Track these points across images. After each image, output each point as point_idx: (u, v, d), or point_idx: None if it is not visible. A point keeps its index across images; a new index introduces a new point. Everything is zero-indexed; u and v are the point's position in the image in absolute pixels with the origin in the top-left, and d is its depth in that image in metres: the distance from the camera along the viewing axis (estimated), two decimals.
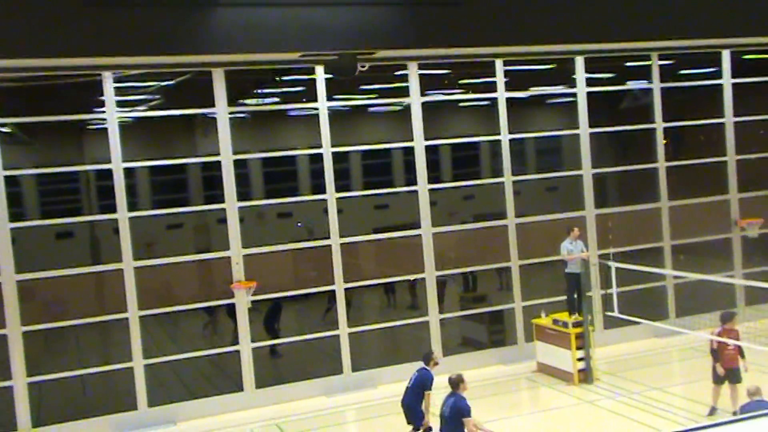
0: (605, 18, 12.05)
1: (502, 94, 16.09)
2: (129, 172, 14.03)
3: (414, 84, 15.53)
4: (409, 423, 10.92)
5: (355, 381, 15.06)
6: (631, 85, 17.88)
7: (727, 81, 17.71)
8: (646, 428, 12.09)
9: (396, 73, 15.61)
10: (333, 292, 15.09)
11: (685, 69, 18.05)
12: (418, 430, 10.83)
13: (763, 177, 18.17)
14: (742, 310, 17.42)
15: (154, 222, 14.62)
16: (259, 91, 15.55)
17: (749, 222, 17.64)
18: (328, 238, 15.11)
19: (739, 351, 12.03)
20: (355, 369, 15.16)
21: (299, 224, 15.93)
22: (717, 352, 12.08)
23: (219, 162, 14.45)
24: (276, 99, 15.85)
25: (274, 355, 15.35)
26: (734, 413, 11.62)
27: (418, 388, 10.77)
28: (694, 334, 14.17)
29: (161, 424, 13.85)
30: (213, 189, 14.71)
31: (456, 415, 9.75)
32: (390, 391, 14.72)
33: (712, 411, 12.24)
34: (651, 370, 14.99)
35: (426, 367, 10.94)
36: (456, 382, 10.02)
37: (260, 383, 14.66)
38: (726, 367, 11.99)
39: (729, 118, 17.76)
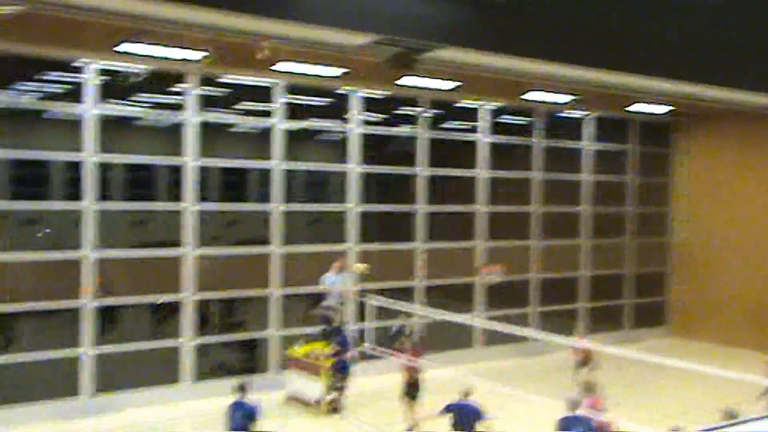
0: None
1: (278, 122, 16.17)
2: None
3: (191, 101, 15.13)
4: None
5: (97, 404, 14.08)
6: (400, 129, 18.83)
7: (483, 137, 19.22)
8: None
9: (171, 87, 15.12)
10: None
11: (448, 121, 19.35)
12: None
13: (506, 229, 19.89)
14: (479, 349, 18.87)
15: None
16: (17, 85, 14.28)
17: (490, 269, 19.11)
18: (80, 249, 14.11)
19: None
20: (98, 391, 14.19)
21: (47, 230, 14.74)
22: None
23: None
24: (35, 96, 14.64)
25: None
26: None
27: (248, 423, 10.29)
28: (442, 370, 15.01)
29: None
30: None
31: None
32: (137, 415, 14.02)
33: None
34: (395, 403, 15.56)
35: (242, 399, 10.37)
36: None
37: None
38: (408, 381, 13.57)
39: (482, 172, 19.25)
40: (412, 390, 13.61)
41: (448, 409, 10.77)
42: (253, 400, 10.48)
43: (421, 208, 18.30)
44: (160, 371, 15.29)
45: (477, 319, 18.58)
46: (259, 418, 10.30)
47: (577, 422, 9.94)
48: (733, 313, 21.52)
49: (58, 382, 14.22)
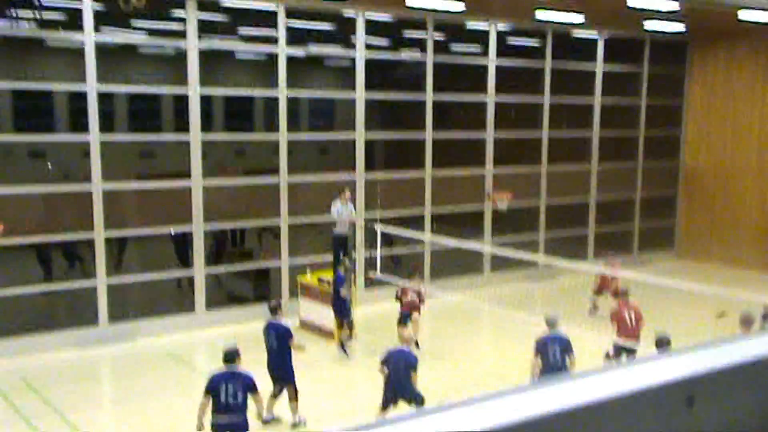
0: None
1: (282, 49, 15.90)
2: None
3: (192, 27, 14.86)
4: (276, 383, 10.63)
5: (111, 333, 14.33)
6: (405, 54, 18.50)
7: (492, 61, 18.85)
8: None
9: (172, 13, 14.84)
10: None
11: (456, 44, 18.97)
12: (291, 390, 10.60)
13: (515, 154, 19.73)
14: (487, 276, 19.00)
15: None
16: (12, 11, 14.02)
17: (500, 195, 19.04)
18: (89, 182, 14.12)
19: (419, 299, 14.11)
20: (112, 320, 14.42)
21: (51, 165, 14.75)
22: (399, 298, 14.14)
23: None
24: (33, 25, 14.40)
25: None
26: (416, 343, 13.11)
27: (283, 343, 10.49)
28: (444, 297, 15.18)
29: None
30: None
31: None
32: (149, 343, 14.27)
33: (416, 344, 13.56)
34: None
35: (276, 319, 10.72)
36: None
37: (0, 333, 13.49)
38: (404, 311, 13.95)
39: (491, 97, 18.97)
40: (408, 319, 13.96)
41: (387, 355, 10.24)
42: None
43: (429, 135, 18.10)
44: (173, 301, 15.50)
45: (486, 246, 18.64)
46: (294, 337, 10.57)
47: (555, 341, 10.12)
48: (741, 235, 21.50)
49: (76, 312, 14.46)
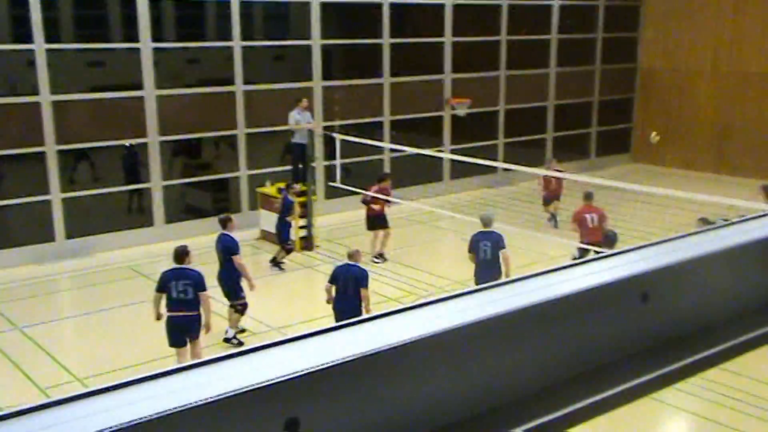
0: None
1: None
2: None
3: None
4: (225, 296, 10.60)
5: (69, 248, 14.18)
6: None
7: None
8: None
9: None
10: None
11: None
12: (236, 305, 10.54)
13: (475, 59, 19.52)
14: (446, 183, 19.11)
15: None
16: None
17: (459, 101, 18.93)
18: (37, 94, 13.66)
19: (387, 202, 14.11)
20: (69, 236, 14.25)
21: None
22: (368, 203, 14.05)
23: None
24: None
25: None
26: (375, 257, 13.83)
27: (228, 257, 10.43)
28: (406, 203, 15.24)
29: None
30: None
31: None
32: (108, 258, 14.19)
33: (380, 257, 14.12)
34: (363, 237, 15.86)
35: (226, 232, 10.63)
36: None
37: None
38: (372, 215, 14.04)
39: (449, 0, 18.60)
40: (378, 222, 14.04)
41: (334, 273, 9.91)
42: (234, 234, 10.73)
43: (387, 40, 17.78)
44: (132, 215, 15.34)
45: (445, 153, 18.65)
46: (239, 252, 10.53)
47: (486, 237, 10.56)
48: (696, 138, 21.80)
49: (32, 228, 14.24)
